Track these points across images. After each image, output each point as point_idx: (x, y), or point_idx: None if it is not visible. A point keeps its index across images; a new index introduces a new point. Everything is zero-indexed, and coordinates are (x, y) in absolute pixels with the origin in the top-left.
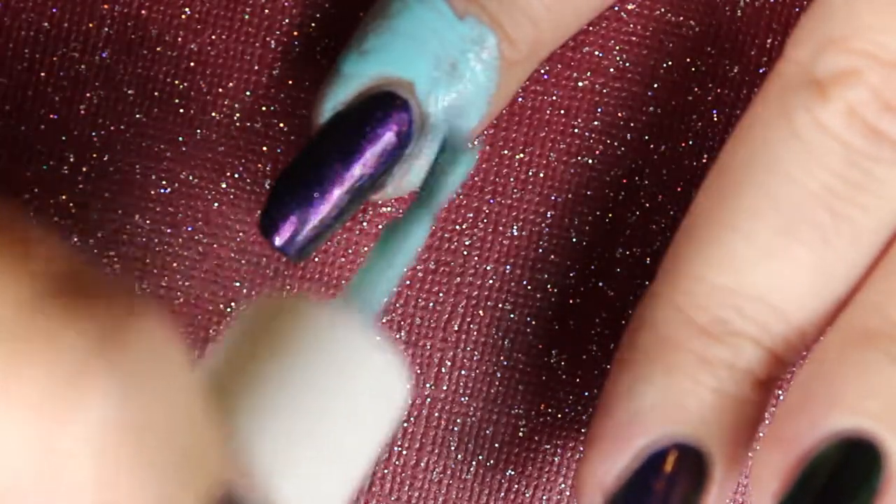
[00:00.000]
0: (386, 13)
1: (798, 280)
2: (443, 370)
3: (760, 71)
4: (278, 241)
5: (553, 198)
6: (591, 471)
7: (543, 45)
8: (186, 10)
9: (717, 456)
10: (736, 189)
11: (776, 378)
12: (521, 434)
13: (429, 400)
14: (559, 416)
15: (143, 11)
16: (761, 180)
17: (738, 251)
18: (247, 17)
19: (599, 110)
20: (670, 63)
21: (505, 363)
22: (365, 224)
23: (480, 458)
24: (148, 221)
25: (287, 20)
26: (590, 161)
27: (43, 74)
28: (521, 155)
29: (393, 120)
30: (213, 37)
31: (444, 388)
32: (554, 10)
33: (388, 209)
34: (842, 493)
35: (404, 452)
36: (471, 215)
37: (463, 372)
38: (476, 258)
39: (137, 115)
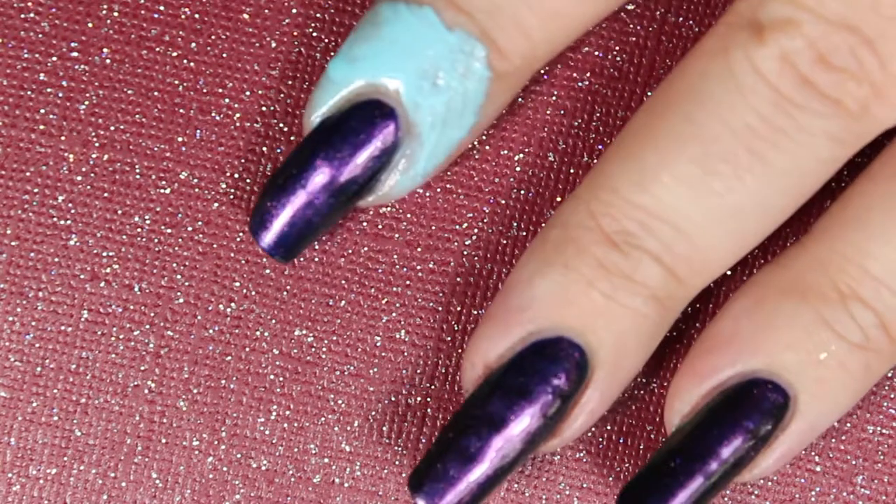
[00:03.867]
0: (376, 21)
1: (707, 209)
2: (443, 370)
3: None
4: (264, 241)
5: (553, 198)
6: (479, 345)
7: (537, 58)
8: (186, 10)
9: (600, 357)
10: (665, 113)
11: (676, 299)
12: None
13: (429, 399)
14: None
15: (142, 11)
16: (689, 109)
17: (654, 172)
18: (247, 17)
19: (599, 110)
20: (670, 63)
21: None
22: (365, 224)
23: None
24: (148, 221)
25: (287, 20)
26: (590, 161)
27: (43, 75)
28: (521, 155)
29: (379, 127)
30: (213, 37)
31: (445, 387)
32: (548, 23)
33: (389, 209)
34: (741, 428)
35: (405, 453)
36: (471, 215)
37: None
38: (476, 258)
39: (137, 116)
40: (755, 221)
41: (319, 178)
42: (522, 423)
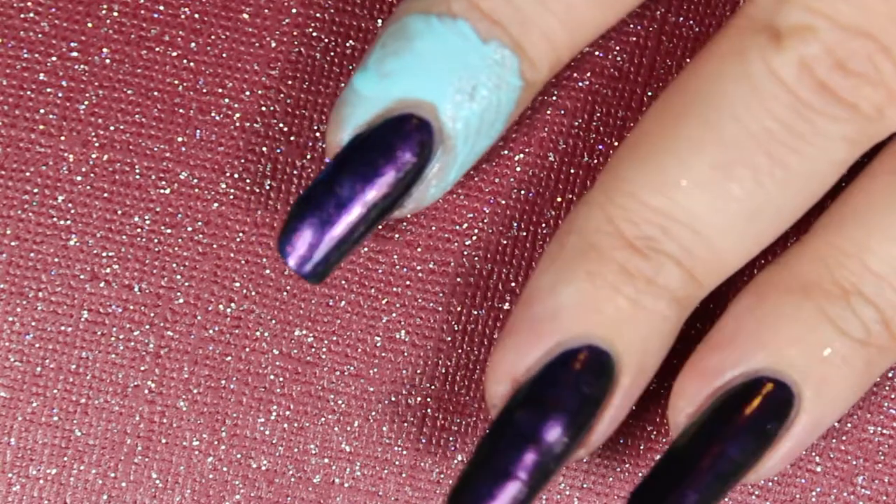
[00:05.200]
0: (407, 34)
1: (726, 213)
2: (443, 370)
3: None
4: (295, 263)
5: (553, 198)
6: (504, 360)
7: (560, 64)
8: (186, 9)
9: (626, 363)
10: (681, 117)
11: (693, 299)
12: None
13: (429, 400)
14: None
15: (142, 11)
16: (706, 112)
17: (673, 176)
18: (246, 16)
19: (600, 110)
20: (670, 63)
21: None
22: None
23: None
24: (148, 222)
25: (287, 20)
26: (590, 161)
27: (43, 74)
28: (521, 155)
29: (414, 141)
30: (213, 37)
31: (445, 388)
32: (573, 31)
33: None
34: (748, 427)
35: (405, 453)
36: (471, 215)
37: (463, 372)
38: (476, 258)
39: (137, 116)
40: (771, 223)
41: (353, 196)
42: (555, 435)
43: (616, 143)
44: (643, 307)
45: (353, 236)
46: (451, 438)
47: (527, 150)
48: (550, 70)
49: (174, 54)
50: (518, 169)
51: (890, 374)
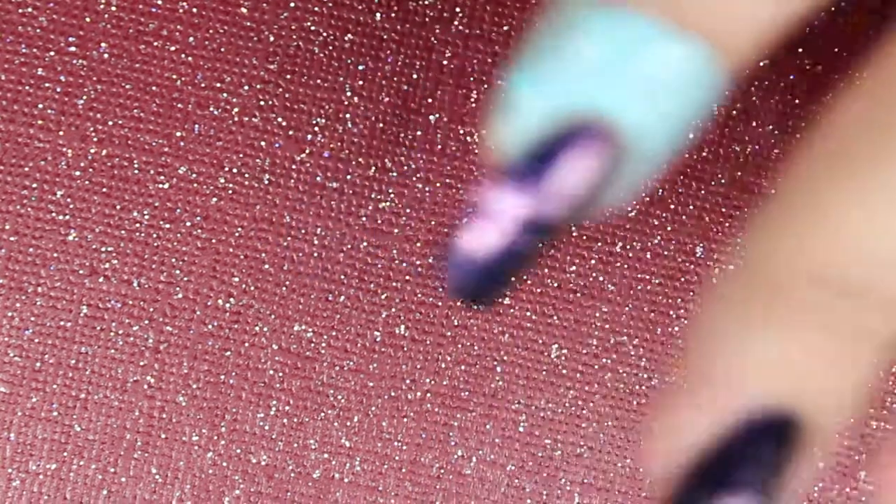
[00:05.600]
0: (571, 32)
1: None
2: (443, 365)
3: (761, 64)
4: (460, 290)
5: None
6: (676, 430)
7: (748, 53)
8: (184, 4)
9: (819, 423)
10: (885, 132)
11: (893, 344)
12: (521, 429)
13: (429, 395)
14: (559, 410)
15: (140, 6)
16: None
17: (878, 212)
18: (245, 11)
19: None
20: None
21: (505, 358)
22: (364, 219)
23: (480, 453)
24: (146, 217)
25: (285, 14)
26: None
27: (41, 69)
28: None
29: (592, 155)
30: (211, 31)
31: (445, 383)
32: (759, 17)
33: (387, 204)
34: None
35: (404, 448)
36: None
37: (463, 367)
38: None
39: (135, 110)
40: None
41: (525, 216)
42: None
43: None
44: (846, 359)
45: (523, 257)
46: (450, 434)
47: None
48: (740, 59)
49: (172, 49)
50: None
51: (894, 370)
